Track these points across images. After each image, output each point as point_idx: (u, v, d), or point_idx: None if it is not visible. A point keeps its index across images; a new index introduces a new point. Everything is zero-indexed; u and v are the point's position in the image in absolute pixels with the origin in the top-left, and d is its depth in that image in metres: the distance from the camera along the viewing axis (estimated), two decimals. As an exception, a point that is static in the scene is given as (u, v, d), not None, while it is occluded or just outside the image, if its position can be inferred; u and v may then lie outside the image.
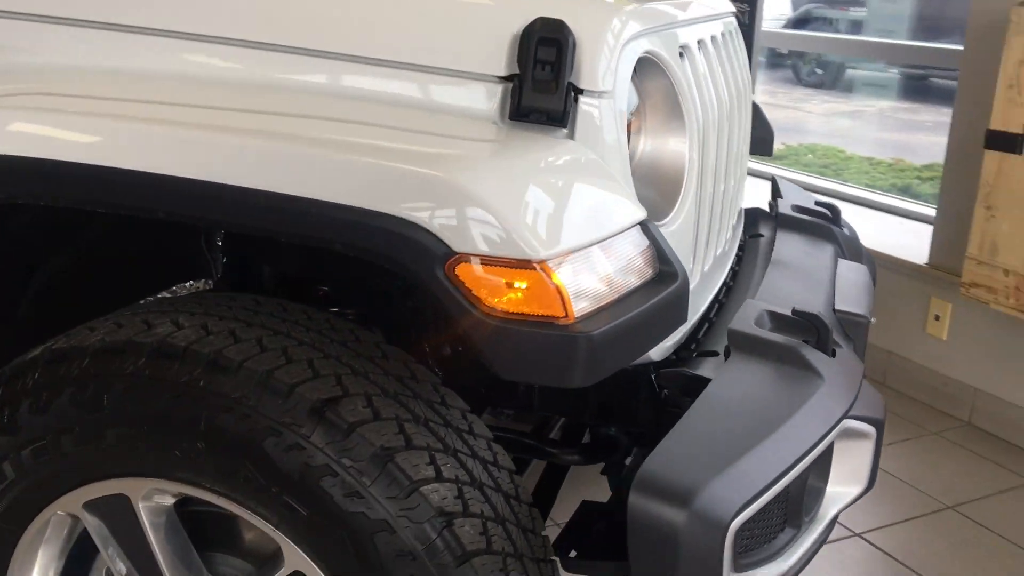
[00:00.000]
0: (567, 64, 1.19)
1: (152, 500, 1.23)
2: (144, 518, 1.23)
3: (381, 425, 1.14)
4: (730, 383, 1.30)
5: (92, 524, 1.26)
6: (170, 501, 1.25)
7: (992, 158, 2.76)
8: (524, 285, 1.02)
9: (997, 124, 2.74)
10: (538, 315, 1.02)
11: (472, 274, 1.01)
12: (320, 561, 1.16)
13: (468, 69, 1.22)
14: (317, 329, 1.25)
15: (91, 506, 1.25)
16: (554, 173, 1.12)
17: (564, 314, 1.03)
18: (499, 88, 1.22)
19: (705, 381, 1.32)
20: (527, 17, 1.21)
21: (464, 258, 1.01)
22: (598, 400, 1.55)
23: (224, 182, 1.04)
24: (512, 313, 1.02)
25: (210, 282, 1.77)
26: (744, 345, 1.39)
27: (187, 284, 1.82)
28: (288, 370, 1.15)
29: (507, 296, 1.02)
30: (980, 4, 2.97)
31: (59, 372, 1.20)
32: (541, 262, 1.02)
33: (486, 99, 1.22)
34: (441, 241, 1.02)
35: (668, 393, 1.47)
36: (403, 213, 1.02)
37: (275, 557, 1.22)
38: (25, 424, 1.22)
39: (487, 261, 1.01)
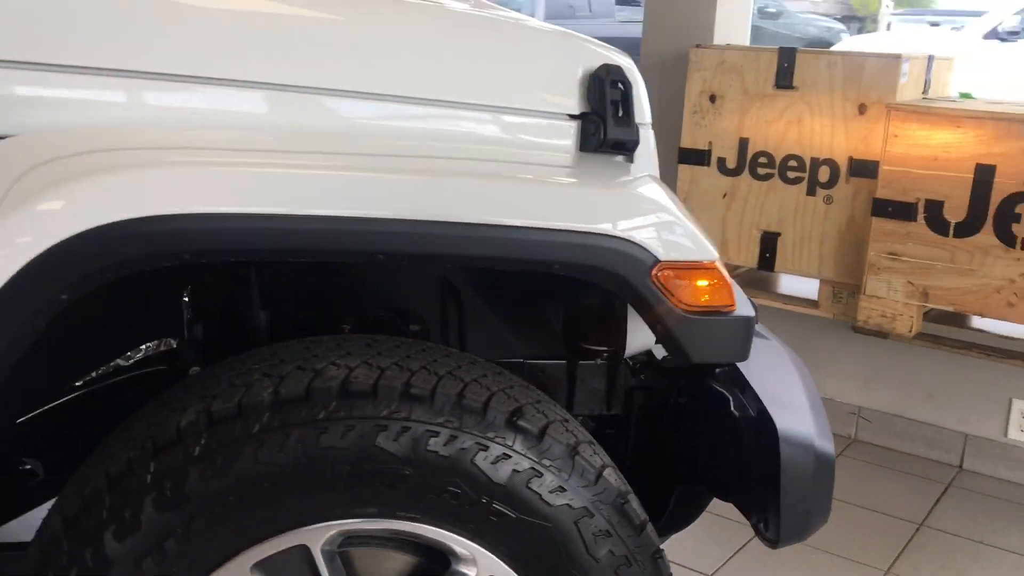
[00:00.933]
0: (634, 102, 1.42)
1: (328, 545, 1.24)
2: (323, 567, 1.23)
3: (556, 426, 1.28)
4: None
5: (256, 585, 1.22)
6: (337, 543, 1.26)
7: (685, 170, 3.37)
8: (706, 283, 1.24)
9: (687, 143, 3.35)
10: (718, 306, 1.25)
11: (671, 277, 1.22)
12: (513, 561, 1.26)
13: (555, 110, 1.40)
14: (443, 354, 1.33)
15: (261, 566, 1.22)
16: (670, 191, 1.35)
17: (732, 303, 1.27)
18: (574, 125, 1.42)
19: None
20: (588, 64, 1.42)
21: (666, 264, 1.21)
22: (575, 390, 1.75)
23: (463, 220, 1.13)
24: (701, 306, 1.24)
25: (171, 341, 1.69)
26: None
27: (143, 346, 1.70)
28: (470, 390, 1.24)
29: (698, 293, 1.23)
30: (649, 47, 3.59)
31: (233, 432, 1.17)
32: (714, 262, 1.26)
33: (569, 135, 1.41)
34: (649, 252, 1.21)
35: (644, 377, 1.73)
36: (618, 232, 1.19)
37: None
38: (197, 494, 1.16)
39: (683, 265, 1.22)
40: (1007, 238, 2.77)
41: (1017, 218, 2.76)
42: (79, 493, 1.18)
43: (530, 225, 1.17)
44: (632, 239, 1.20)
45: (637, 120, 1.46)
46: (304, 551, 1.22)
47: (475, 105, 1.34)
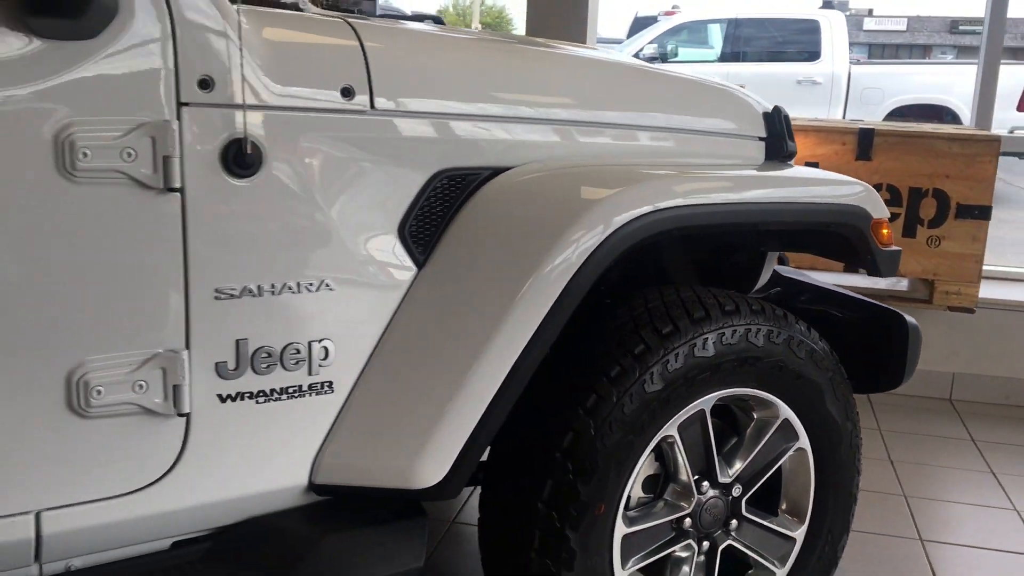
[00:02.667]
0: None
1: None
2: (710, 424, 1.95)
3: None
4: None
5: (675, 440, 1.91)
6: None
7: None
8: (885, 231, 2.13)
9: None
10: (890, 244, 2.14)
11: (876, 227, 2.09)
12: (797, 408, 2.05)
13: (755, 135, 2.22)
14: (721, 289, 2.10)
15: (680, 426, 1.91)
16: (828, 173, 2.24)
17: (892, 242, 2.17)
18: (762, 144, 2.25)
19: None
20: (764, 107, 2.26)
21: (875, 221, 2.09)
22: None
23: (811, 201, 1.96)
24: (885, 244, 2.13)
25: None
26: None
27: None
28: (771, 306, 2.03)
29: (884, 237, 2.12)
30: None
31: (677, 340, 1.85)
32: (887, 218, 2.15)
33: (761, 151, 2.24)
34: (869, 213, 2.07)
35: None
36: (859, 203, 2.05)
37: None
38: (666, 379, 1.82)
39: (879, 221, 2.10)
40: (830, 214, 3.96)
41: (835, 199, 3.96)
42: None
43: (831, 201, 2.01)
44: (863, 207, 2.07)
45: (796, 141, 2.33)
46: (701, 413, 1.94)
47: (727, 133, 2.14)
